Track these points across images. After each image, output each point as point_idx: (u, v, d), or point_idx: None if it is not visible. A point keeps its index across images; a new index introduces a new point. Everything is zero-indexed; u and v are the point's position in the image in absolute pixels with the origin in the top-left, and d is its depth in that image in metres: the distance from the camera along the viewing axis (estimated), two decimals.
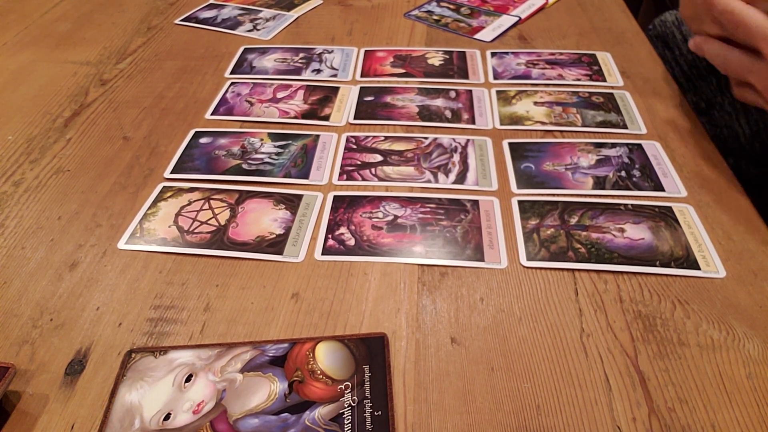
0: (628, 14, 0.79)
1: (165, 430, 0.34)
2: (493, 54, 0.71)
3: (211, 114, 0.62)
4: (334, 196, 0.51)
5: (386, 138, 0.58)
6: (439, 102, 0.63)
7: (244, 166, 0.54)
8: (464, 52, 0.72)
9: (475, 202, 0.50)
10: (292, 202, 0.50)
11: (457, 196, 0.50)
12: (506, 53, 0.71)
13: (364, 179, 0.53)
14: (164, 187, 0.52)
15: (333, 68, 0.69)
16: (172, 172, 0.54)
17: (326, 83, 0.67)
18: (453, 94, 0.64)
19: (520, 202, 0.49)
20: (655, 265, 0.43)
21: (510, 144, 0.56)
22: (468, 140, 0.57)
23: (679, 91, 0.63)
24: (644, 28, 0.75)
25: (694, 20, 0.51)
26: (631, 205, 0.49)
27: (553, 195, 0.50)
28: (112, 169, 0.55)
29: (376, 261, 0.45)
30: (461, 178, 0.52)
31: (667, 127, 0.58)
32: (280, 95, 0.65)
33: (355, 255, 0.45)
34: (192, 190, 0.52)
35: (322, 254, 0.45)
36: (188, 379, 0.37)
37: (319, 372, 0.37)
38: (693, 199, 0.49)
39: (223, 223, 0.48)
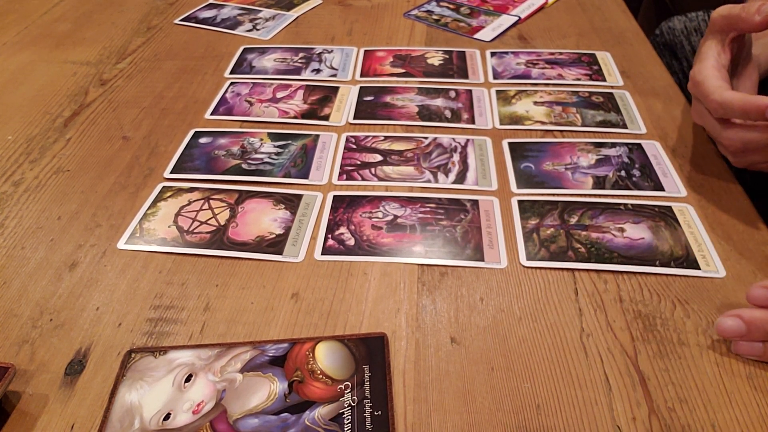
0: (628, 14, 0.79)
1: (165, 430, 0.34)
2: (492, 54, 0.71)
3: (211, 114, 0.62)
4: (334, 196, 0.51)
5: (386, 138, 0.58)
6: (438, 102, 0.63)
7: (244, 166, 0.54)
8: (464, 52, 0.71)
9: (475, 202, 0.50)
10: (291, 202, 0.50)
11: (456, 195, 0.50)
12: (506, 53, 0.71)
13: (363, 179, 0.53)
14: (164, 187, 0.52)
15: (333, 68, 0.69)
16: (171, 172, 0.54)
17: (326, 83, 0.67)
18: (453, 94, 0.64)
19: (519, 202, 0.49)
20: (655, 265, 0.43)
21: (510, 144, 0.56)
22: (468, 140, 0.57)
23: (679, 91, 0.63)
24: (644, 28, 0.75)
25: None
26: (631, 204, 0.49)
27: (553, 195, 0.50)
28: (111, 169, 0.55)
29: (375, 261, 0.45)
30: (461, 177, 0.52)
31: (667, 126, 0.58)
32: (279, 95, 0.65)
33: (355, 255, 0.45)
34: (192, 190, 0.52)
35: (322, 254, 0.45)
36: (188, 379, 0.37)
37: (319, 372, 0.37)
38: (693, 198, 0.49)
39: (222, 223, 0.48)
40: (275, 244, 0.46)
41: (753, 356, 0.37)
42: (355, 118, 0.61)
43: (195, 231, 0.48)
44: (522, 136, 0.57)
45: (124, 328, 0.41)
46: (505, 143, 0.56)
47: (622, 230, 0.46)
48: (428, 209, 0.49)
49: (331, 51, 0.73)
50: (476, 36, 0.75)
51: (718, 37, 0.48)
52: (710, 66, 0.47)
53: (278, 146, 0.57)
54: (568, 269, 0.44)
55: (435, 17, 0.80)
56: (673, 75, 0.69)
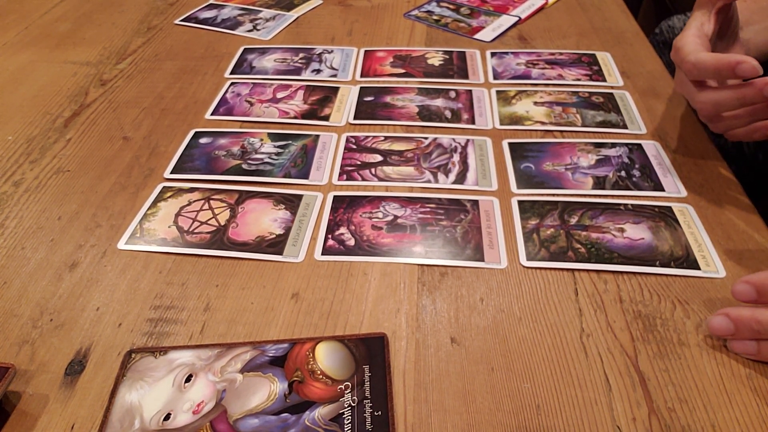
0: (628, 14, 0.79)
1: (165, 431, 0.34)
2: (493, 54, 0.71)
3: (211, 114, 0.62)
4: (334, 196, 0.51)
5: (386, 138, 0.58)
6: (439, 102, 0.63)
7: (244, 166, 0.54)
8: (464, 52, 0.72)
9: (475, 202, 0.50)
10: (291, 202, 0.50)
11: (457, 196, 0.50)
12: (506, 53, 0.71)
13: (364, 179, 0.53)
14: (164, 187, 0.52)
15: (333, 68, 0.69)
16: (172, 173, 0.54)
17: (326, 83, 0.67)
18: (453, 94, 0.64)
19: (520, 202, 0.49)
20: (655, 265, 0.43)
21: (510, 144, 0.56)
22: (468, 140, 0.57)
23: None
24: (644, 28, 0.75)
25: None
26: (631, 205, 0.49)
27: (553, 195, 0.50)
28: (112, 169, 0.55)
29: (376, 261, 0.45)
30: (461, 178, 0.52)
31: (667, 127, 0.58)
32: (279, 95, 0.65)
33: (355, 255, 0.45)
34: (192, 190, 0.52)
35: (322, 254, 0.45)
36: (188, 380, 0.37)
37: (319, 372, 0.37)
38: (693, 199, 0.49)
39: (223, 223, 0.48)
40: (275, 245, 0.46)
41: (748, 354, 0.37)
42: (355, 118, 0.61)
43: (195, 231, 0.48)
44: (522, 136, 0.57)
45: (125, 328, 0.41)
46: (505, 143, 0.56)
47: (622, 230, 0.46)
48: (428, 209, 0.49)
49: (332, 51, 0.73)
50: (476, 36, 0.75)
51: (704, 9, 0.49)
52: (691, 34, 0.48)
53: (278, 146, 0.57)
54: (568, 269, 0.44)
55: (435, 17, 0.80)
56: (673, 73, 0.69)
